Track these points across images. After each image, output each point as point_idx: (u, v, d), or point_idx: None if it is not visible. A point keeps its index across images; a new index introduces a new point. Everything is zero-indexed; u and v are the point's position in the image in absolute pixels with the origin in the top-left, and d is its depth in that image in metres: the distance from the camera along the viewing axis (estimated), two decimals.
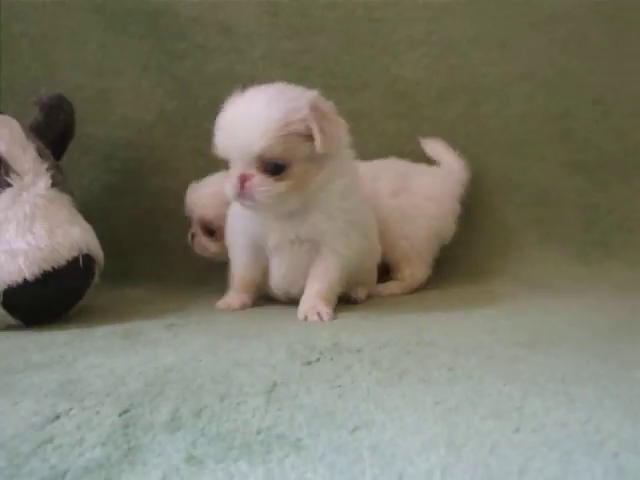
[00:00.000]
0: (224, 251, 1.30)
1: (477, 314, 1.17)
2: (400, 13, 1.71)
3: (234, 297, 1.23)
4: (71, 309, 1.09)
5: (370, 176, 1.45)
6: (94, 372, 0.74)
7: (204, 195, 1.43)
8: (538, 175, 1.73)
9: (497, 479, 0.46)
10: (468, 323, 1.08)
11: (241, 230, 1.21)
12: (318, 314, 1.09)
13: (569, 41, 1.70)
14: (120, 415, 0.58)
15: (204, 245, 1.45)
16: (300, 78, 1.64)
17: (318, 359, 0.81)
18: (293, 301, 1.19)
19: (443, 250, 1.65)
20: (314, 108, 1.04)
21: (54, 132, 1.30)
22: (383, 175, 1.52)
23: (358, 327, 1.03)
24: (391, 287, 1.49)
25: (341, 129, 1.10)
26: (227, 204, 1.28)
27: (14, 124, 1.18)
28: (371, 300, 1.36)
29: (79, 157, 1.34)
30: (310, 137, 1.04)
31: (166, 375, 0.72)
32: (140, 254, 1.32)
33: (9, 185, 1.06)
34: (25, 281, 0.98)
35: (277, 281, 1.22)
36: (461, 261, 1.69)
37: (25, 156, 1.12)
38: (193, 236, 1.46)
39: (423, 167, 1.61)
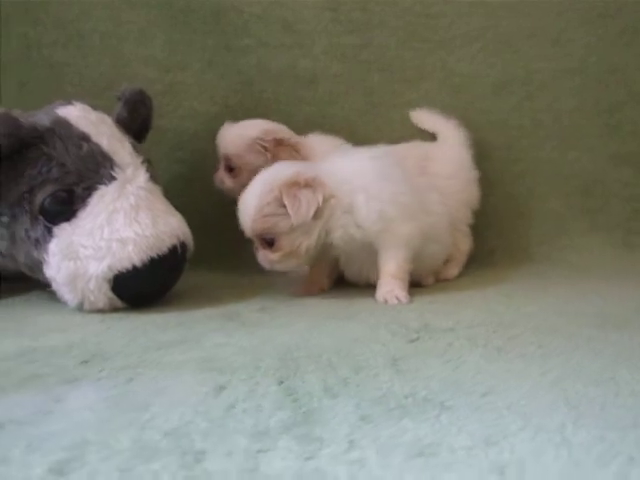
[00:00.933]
0: (238, 188, 1.36)
1: (539, 298, 1.24)
2: (457, 9, 1.76)
3: (312, 284, 1.31)
4: (167, 294, 1.17)
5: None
6: (225, 350, 0.82)
7: (231, 134, 1.52)
8: (587, 166, 1.79)
9: (618, 428, 0.54)
10: (535, 307, 1.14)
11: None
12: (396, 297, 1.18)
13: (619, 37, 1.75)
14: (278, 385, 0.66)
15: (221, 178, 1.54)
16: (360, 72, 1.74)
17: (418, 338, 0.89)
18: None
19: (496, 238, 1.73)
20: (285, 186, 1.14)
21: (136, 126, 1.36)
22: (403, 161, 1.53)
23: (438, 309, 1.11)
24: (451, 269, 1.55)
25: (317, 195, 1.15)
26: (250, 145, 1.46)
27: (109, 120, 1.26)
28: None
29: (150, 148, 1.40)
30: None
31: (293, 352, 0.80)
32: (208, 240, 1.39)
33: (114, 178, 1.13)
34: (134, 267, 1.06)
35: (354, 275, 1.32)
36: (513, 248, 1.76)
37: (124, 150, 1.20)
38: (216, 170, 1.56)
39: (436, 146, 1.65)
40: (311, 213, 1.13)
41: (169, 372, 0.72)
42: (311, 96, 1.75)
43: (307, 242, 1.17)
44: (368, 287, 1.26)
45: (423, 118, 1.67)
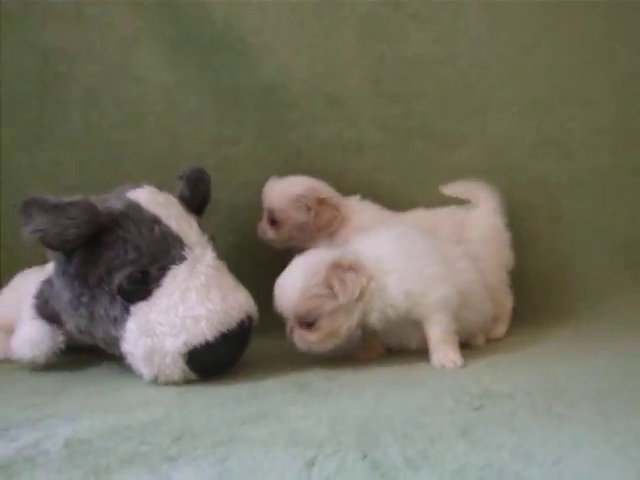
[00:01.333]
0: (279, 240, 1.56)
1: (590, 358, 1.28)
2: (492, 75, 1.85)
3: (370, 349, 1.37)
4: (236, 364, 1.24)
5: (428, 226, 1.56)
6: (306, 423, 0.87)
7: (276, 189, 1.63)
8: (627, 222, 1.84)
9: None
10: (587, 367, 1.19)
11: None
12: (452, 361, 1.23)
13: None
14: (363, 459, 0.72)
15: (264, 229, 1.65)
16: (402, 140, 1.82)
17: (482, 405, 0.94)
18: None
19: (540, 296, 1.78)
20: (332, 268, 1.20)
21: (197, 202, 1.45)
22: (442, 227, 1.62)
23: (494, 373, 1.16)
24: (499, 328, 1.60)
25: (360, 277, 1.21)
26: (294, 201, 1.56)
27: (174, 200, 1.34)
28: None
29: (205, 219, 1.48)
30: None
31: (369, 424, 0.85)
32: (262, 308, 1.45)
33: (185, 258, 1.21)
34: (207, 342, 1.13)
35: (394, 344, 1.38)
36: (560, 307, 1.80)
37: (191, 230, 1.28)
38: (260, 220, 1.67)
39: (471, 212, 1.68)
40: (357, 294, 1.20)
41: (258, 448, 0.77)
42: (357, 165, 1.84)
43: (348, 323, 1.22)
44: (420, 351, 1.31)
45: (455, 188, 1.70)
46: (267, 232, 1.65)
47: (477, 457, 0.71)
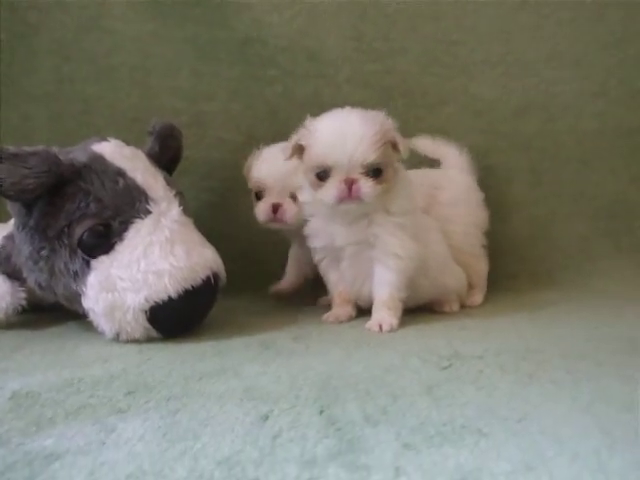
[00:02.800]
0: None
1: (564, 323, 1.26)
2: (477, 35, 1.80)
3: (340, 310, 1.33)
4: (201, 323, 1.20)
5: None
6: (264, 379, 0.84)
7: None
8: (610, 188, 1.81)
9: None
10: (561, 332, 1.16)
11: (316, 240, 1.34)
12: (390, 325, 1.21)
13: (639, 61, 1.78)
14: (320, 414, 0.69)
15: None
16: (382, 98, 1.77)
17: (450, 365, 0.91)
18: None
19: (519, 262, 1.75)
20: (392, 124, 1.25)
21: (167, 158, 1.40)
22: (416, 189, 1.53)
23: (466, 336, 1.14)
24: (475, 296, 1.57)
25: (407, 141, 1.28)
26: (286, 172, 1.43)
27: (141, 154, 1.29)
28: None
29: (178, 178, 1.44)
30: (394, 146, 1.24)
31: (330, 381, 0.82)
32: (236, 267, 1.41)
33: (149, 212, 1.17)
34: (169, 298, 1.09)
35: (348, 289, 1.34)
36: (537, 272, 1.78)
37: (157, 184, 1.23)
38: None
39: (444, 174, 1.66)
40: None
41: (213, 402, 0.74)
42: None
43: (397, 180, 1.26)
44: None
45: (426, 145, 1.66)
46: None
47: (439, 413, 0.69)
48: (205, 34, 1.81)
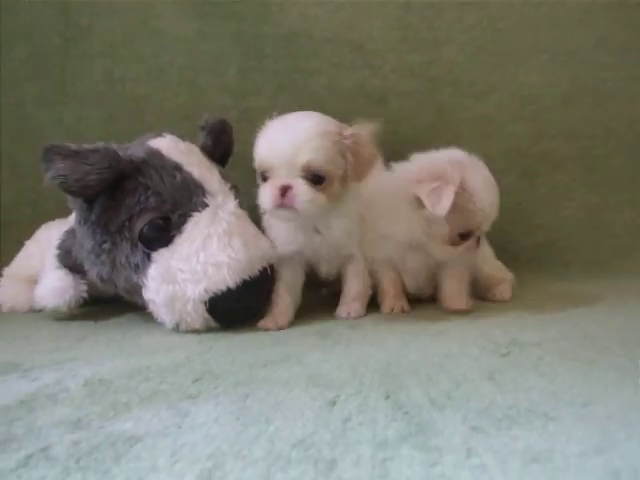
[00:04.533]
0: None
1: (619, 310, 1.26)
2: (524, 22, 1.79)
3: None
4: (259, 313, 1.23)
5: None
6: (327, 366, 0.86)
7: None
8: None
9: None
10: (618, 319, 1.17)
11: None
12: (356, 311, 1.27)
13: None
14: (386, 399, 0.70)
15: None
16: (428, 88, 1.78)
17: (509, 352, 0.91)
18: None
19: (572, 250, 1.74)
20: (355, 136, 1.14)
21: (220, 153, 1.43)
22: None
23: (522, 324, 1.14)
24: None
25: (372, 165, 1.18)
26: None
27: (196, 149, 1.33)
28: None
29: (229, 172, 1.46)
30: (345, 160, 1.14)
31: (391, 368, 0.84)
32: None
33: (207, 205, 1.20)
34: (228, 289, 1.12)
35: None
36: (590, 261, 1.76)
37: (213, 178, 1.26)
38: None
39: None
40: (368, 177, 1.18)
41: (280, 388, 0.76)
42: (381, 114, 1.79)
43: (343, 197, 1.18)
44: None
45: None
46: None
47: (504, 398, 0.70)
48: (250, 30, 1.84)
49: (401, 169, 1.31)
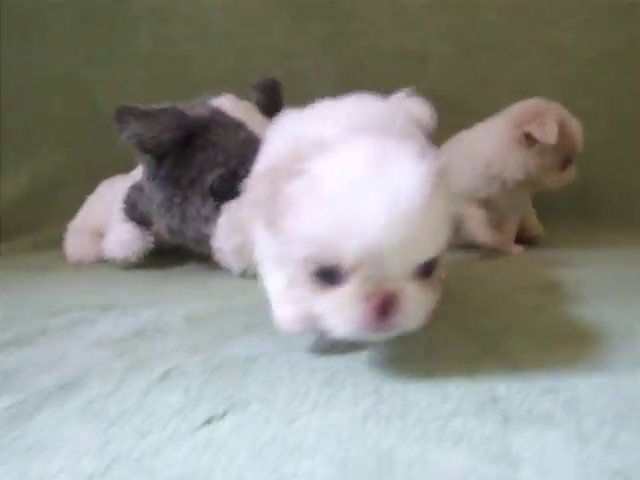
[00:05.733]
0: None
1: None
2: None
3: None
4: None
5: None
6: None
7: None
8: None
9: None
10: None
11: None
12: None
13: None
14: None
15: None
16: (466, 50, 1.84)
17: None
18: None
19: (599, 201, 1.83)
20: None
21: (272, 111, 1.51)
22: None
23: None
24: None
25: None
26: None
27: (253, 108, 1.42)
28: None
29: None
30: None
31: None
32: None
33: None
34: None
35: None
36: (616, 212, 1.86)
37: None
38: None
39: None
40: None
41: None
42: (420, 75, 1.87)
43: None
44: None
45: None
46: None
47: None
48: None
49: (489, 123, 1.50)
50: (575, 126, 1.43)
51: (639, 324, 0.79)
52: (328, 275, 0.59)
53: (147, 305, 1.02)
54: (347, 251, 0.56)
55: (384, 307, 0.58)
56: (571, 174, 1.48)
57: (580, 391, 0.58)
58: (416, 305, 0.60)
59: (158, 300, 1.07)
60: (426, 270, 0.61)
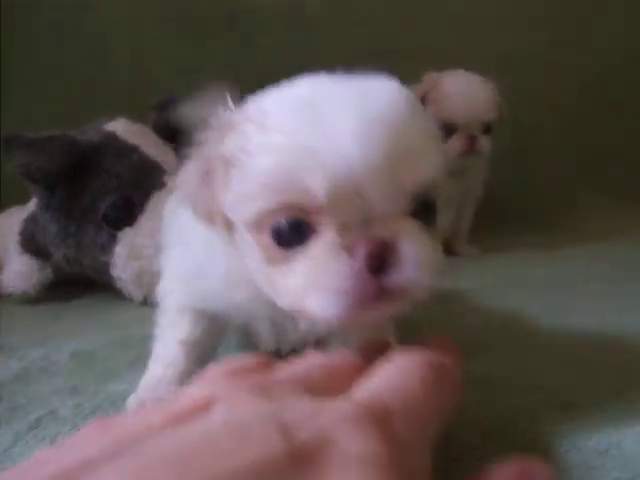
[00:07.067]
0: None
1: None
2: None
3: None
4: None
5: None
6: None
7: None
8: None
9: None
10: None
11: None
12: None
13: None
14: None
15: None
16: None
17: None
18: None
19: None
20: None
21: (172, 130, 1.45)
22: None
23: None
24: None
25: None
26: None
27: (148, 130, 1.39)
28: None
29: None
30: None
31: None
32: None
33: (165, 184, 1.25)
34: None
35: None
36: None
37: (168, 157, 1.33)
38: None
39: None
40: None
41: None
42: None
43: None
44: None
45: None
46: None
47: None
48: (193, 9, 1.88)
49: None
50: (458, 100, 1.51)
51: None
52: (294, 231, 0.45)
53: (37, 344, 0.97)
54: (313, 185, 0.42)
55: (376, 258, 0.42)
56: (455, 147, 1.52)
57: None
58: (421, 250, 0.44)
59: (50, 337, 1.02)
60: (424, 208, 0.46)
